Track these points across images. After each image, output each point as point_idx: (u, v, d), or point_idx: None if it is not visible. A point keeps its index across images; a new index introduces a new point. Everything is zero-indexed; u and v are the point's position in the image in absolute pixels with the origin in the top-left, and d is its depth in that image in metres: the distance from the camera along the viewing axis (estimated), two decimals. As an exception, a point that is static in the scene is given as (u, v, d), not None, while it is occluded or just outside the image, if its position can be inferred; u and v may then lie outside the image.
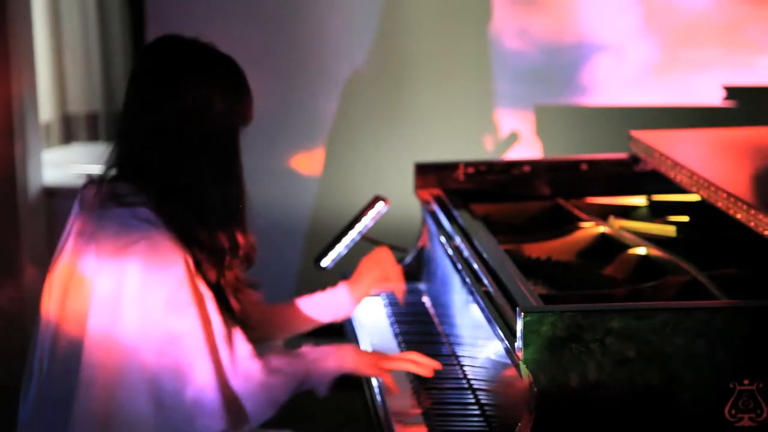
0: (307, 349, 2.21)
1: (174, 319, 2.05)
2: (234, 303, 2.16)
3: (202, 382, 2.06)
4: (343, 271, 3.03)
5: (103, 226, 2.08)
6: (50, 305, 2.13)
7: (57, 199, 4.36)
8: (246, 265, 2.21)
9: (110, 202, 2.10)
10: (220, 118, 2.11)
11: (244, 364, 2.10)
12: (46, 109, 4.66)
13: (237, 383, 2.10)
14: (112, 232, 2.06)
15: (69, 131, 4.80)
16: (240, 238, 2.15)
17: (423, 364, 2.28)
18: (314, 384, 2.19)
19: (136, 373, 2.04)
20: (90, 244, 2.09)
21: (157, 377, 2.04)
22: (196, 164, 2.10)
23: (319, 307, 2.48)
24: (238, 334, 2.12)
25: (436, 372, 2.33)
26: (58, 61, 4.71)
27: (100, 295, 2.06)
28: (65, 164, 4.62)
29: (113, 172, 2.14)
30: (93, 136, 4.81)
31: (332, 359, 2.20)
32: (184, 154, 2.09)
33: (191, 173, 2.10)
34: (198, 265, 2.10)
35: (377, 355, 2.29)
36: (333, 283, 3.06)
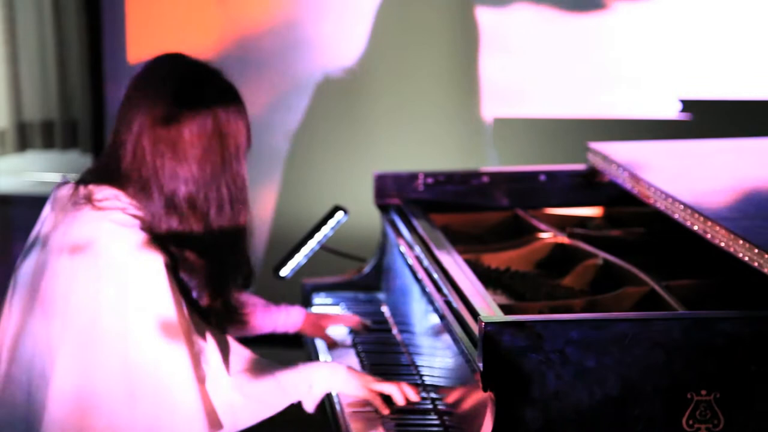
0: (300, 368, 2.22)
1: (154, 322, 2.03)
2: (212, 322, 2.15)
3: (182, 384, 2.05)
4: (302, 281, 3.03)
5: (78, 228, 2.06)
6: (14, 304, 2.11)
7: (11, 206, 4.32)
8: (244, 285, 2.21)
9: (85, 205, 2.07)
10: (237, 149, 2.12)
11: (213, 377, 2.10)
12: (0, 116, 4.62)
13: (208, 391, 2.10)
14: (88, 236, 2.04)
15: (24, 139, 4.75)
16: (240, 263, 2.15)
17: (404, 393, 2.28)
18: (303, 400, 2.20)
19: (114, 378, 2.02)
20: (63, 246, 2.06)
21: (137, 380, 2.03)
22: (212, 188, 2.10)
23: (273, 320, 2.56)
24: (212, 345, 2.11)
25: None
26: (14, 68, 4.67)
27: (76, 298, 2.03)
28: (20, 172, 4.58)
29: (91, 176, 2.12)
30: (48, 144, 4.77)
31: (324, 379, 2.21)
32: (206, 185, 2.09)
33: (206, 196, 2.09)
34: (175, 269, 2.09)
35: (366, 377, 2.29)
36: (292, 292, 3.06)
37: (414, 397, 2.29)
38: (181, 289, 2.10)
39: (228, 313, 2.18)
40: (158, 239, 2.08)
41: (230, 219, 2.12)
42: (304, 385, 2.20)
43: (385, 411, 2.26)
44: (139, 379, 2.03)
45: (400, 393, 2.27)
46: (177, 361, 2.04)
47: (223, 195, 2.11)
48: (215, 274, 2.12)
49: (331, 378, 2.23)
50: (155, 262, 2.05)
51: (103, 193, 2.08)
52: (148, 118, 2.08)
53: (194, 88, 2.11)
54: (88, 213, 2.07)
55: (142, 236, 2.06)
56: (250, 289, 2.26)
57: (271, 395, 2.17)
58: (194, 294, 2.13)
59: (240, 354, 2.18)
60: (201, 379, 2.08)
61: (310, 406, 2.23)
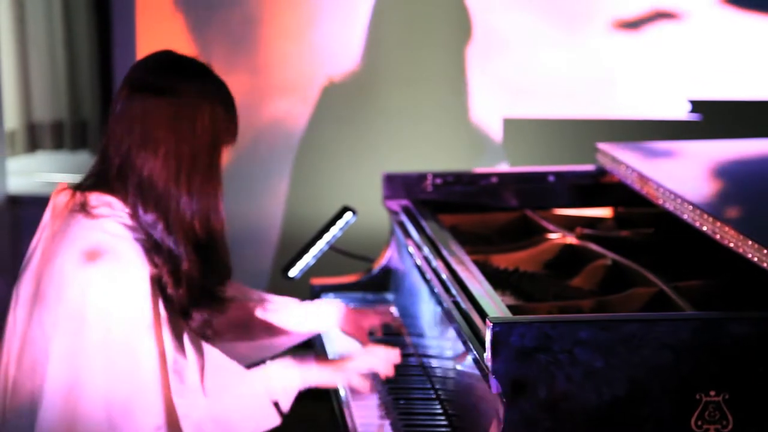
0: (270, 368, 2.18)
1: (133, 337, 2.03)
2: (196, 318, 2.13)
3: (151, 405, 2.04)
4: (310, 281, 3.03)
5: (71, 237, 2.06)
6: (18, 313, 2.11)
7: (21, 207, 4.33)
8: (218, 282, 2.17)
9: (79, 213, 2.07)
10: (209, 136, 2.10)
11: (190, 397, 2.09)
12: (10, 116, 4.62)
13: (181, 412, 2.08)
14: (78, 245, 2.04)
15: (34, 139, 4.76)
16: (214, 257, 2.13)
17: (385, 360, 2.25)
18: (278, 401, 2.17)
19: (93, 387, 2.02)
20: (56, 254, 2.06)
21: (112, 394, 2.03)
22: (178, 178, 2.08)
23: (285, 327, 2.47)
24: (192, 363, 2.10)
25: (405, 383, 2.33)
26: (23, 68, 4.68)
27: (65, 306, 2.04)
28: (30, 172, 4.58)
29: (90, 181, 2.12)
30: (58, 145, 4.77)
31: (295, 376, 2.18)
32: (169, 168, 2.07)
33: (172, 187, 2.08)
34: (161, 282, 2.08)
35: (339, 361, 2.26)
36: (300, 292, 3.06)
37: (395, 355, 2.25)
38: (164, 298, 2.08)
39: (210, 302, 2.15)
40: (149, 251, 2.07)
41: (199, 209, 2.09)
42: (278, 395, 2.15)
43: (367, 387, 2.23)
44: (114, 392, 2.03)
45: (380, 362, 2.24)
46: (146, 381, 2.04)
47: (191, 183, 2.08)
48: (180, 267, 2.08)
49: (305, 376, 2.18)
50: (140, 275, 2.04)
51: (98, 200, 2.08)
52: (126, 104, 2.10)
53: (172, 77, 2.11)
54: (82, 221, 2.07)
55: (131, 246, 2.05)
56: (222, 286, 2.19)
57: (246, 418, 2.13)
58: (172, 287, 2.09)
59: (221, 367, 2.14)
60: (169, 400, 2.06)
61: (285, 406, 2.18)
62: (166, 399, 2.06)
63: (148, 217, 2.07)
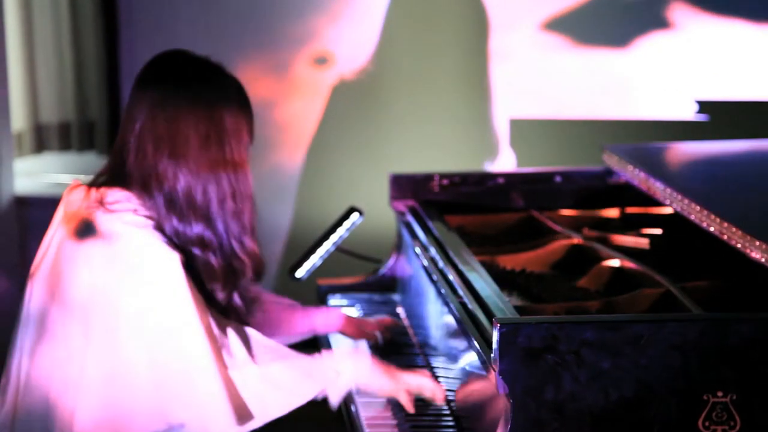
0: (325, 358, 2.19)
1: (174, 322, 2.04)
2: (232, 316, 2.15)
3: (206, 380, 2.04)
4: (317, 282, 3.04)
5: (91, 231, 2.06)
6: (31, 308, 2.11)
7: (28, 208, 4.34)
8: (255, 279, 2.20)
9: (97, 208, 2.08)
10: (238, 150, 2.12)
11: (241, 367, 2.09)
12: (17, 117, 4.63)
13: (238, 383, 2.09)
14: (101, 238, 2.05)
15: (41, 140, 4.77)
16: (247, 256, 2.15)
17: (437, 390, 2.27)
18: (329, 390, 2.18)
19: (139, 378, 2.02)
20: (78, 249, 2.07)
21: (162, 384, 2.03)
22: (222, 203, 2.10)
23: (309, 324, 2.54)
24: (234, 338, 2.11)
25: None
26: (31, 69, 4.69)
27: (96, 300, 2.04)
28: (37, 173, 4.60)
29: (104, 178, 2.13)
30: (65, 146, 4.79)
31: (349, 369, 2.19)
32: (208, 192, 2.09)
33: (216, 212, 2.10)
34: (190, 268, 2.09)
35: (394, 371, 2.25)
36: (307, 293, 3.07)
37: (441, 398, 2.27)
38: (197, 286, 2.10)
39: (241, 308, 2.17)
40: (168, 239, 2.08)
41: (233, 213, 2.12)
42: (331, 372, 2.17)
43: (412, 409, 2.24)
44: (166, 377, 2.03)
45: (432, 392, 2.25)
46: (200, 357, 2.04)
47: (224, 189, 2.10)
48: (223, 269, 2.11)
49: (357, 369, 2.20)
50: (171, 259, 2.05)
51: (114, 195, 2.09)
52: (148, 116, 2.09)
53: (192, 83, 2.11)
54: (101, 216, 2.07)
55: (155, 235, 2.06)
56: (260, 282, 2.25)
57: (300, 384, 2.14)
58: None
59: (265, 345, 2.16)
60: (225, 374, 2.07)
61: (335, 398, 2.19)
62: (223, 375, 2.06)
63: (193, 235, 2.09)
